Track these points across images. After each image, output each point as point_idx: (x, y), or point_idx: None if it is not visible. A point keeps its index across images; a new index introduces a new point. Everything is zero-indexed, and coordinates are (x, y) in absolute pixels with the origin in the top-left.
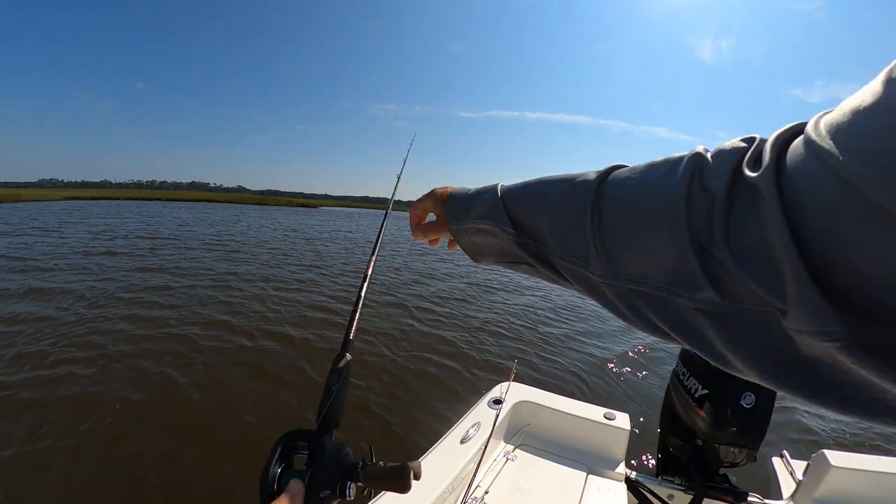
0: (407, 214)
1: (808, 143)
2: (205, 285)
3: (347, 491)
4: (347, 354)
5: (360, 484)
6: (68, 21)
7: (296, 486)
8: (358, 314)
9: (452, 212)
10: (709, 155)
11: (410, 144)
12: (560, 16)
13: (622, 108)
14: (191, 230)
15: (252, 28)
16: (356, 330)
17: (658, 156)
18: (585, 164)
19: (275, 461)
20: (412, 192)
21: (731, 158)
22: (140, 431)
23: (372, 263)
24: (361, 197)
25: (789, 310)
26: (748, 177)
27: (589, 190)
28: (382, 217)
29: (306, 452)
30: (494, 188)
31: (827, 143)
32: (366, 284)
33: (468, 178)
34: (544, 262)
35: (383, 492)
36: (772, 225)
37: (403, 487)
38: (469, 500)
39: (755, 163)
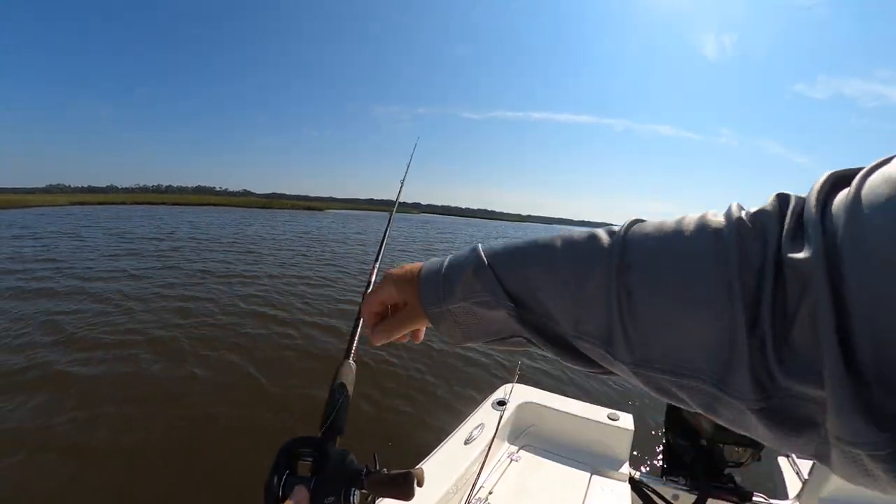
0: (410, 217)
1: (856, 216)
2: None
3: (352, 498)
4: (352, 361)
5: (364, 491)
6: (69, 30)
7: (300, 492)
8: (360, 324)
9: (430, 293)
10: (747, 219)
11: (414, 148)
12: (563, 15)
13: (626, 106)
14: (210, 232)
15: (256, 34)
16: (360, 336)
17: (661, 154)
18: (591, 163)
19: (279, 467)
20: (417, 193)
21: (773, 228)
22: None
23: (375, 270)
24: (367, 199)
25: (828, 416)
26: (795, 260)
27: (609, 258)
28: (386, 222)
29: (311, 459)
30: (476, 255)
31: (878, 220)
32: (369, 291)
33: (473, 179)
34: (550, 338)
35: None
36: (821, 320)
37: (407, 495)
38: (473, 501)
39: (795, 235)
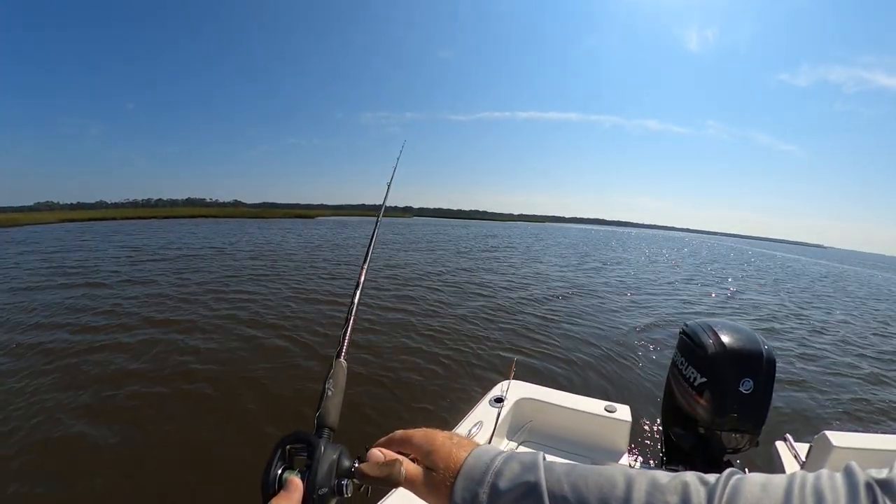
0: (396, 221)
1: None
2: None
3: (344, 489)
4: (343, 361)
5: (356, 481)
6: (50, 47)
7: (293, 483)
8: (352, 320)
9: (468, 490)
10: (878, 486)
11: (400, 152)
12: (545, 14)
13: (613, 103)
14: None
15: (239, 45)
16: (350, 335)
17: (650, 149)
18: (580, 160)
19: (275, 462)
20: (408, 197)
21: None
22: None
23: (364, 271)
24: (358, 205)
25: None
26: None
27: None
28: (374, 226)
29: (305, 454)
30: (536, 480)
31: None
32: (359, 291)
33: (463, 181)
34: None
35: (392, 491)
36: None
37: (396, 481)
38: None
39: None
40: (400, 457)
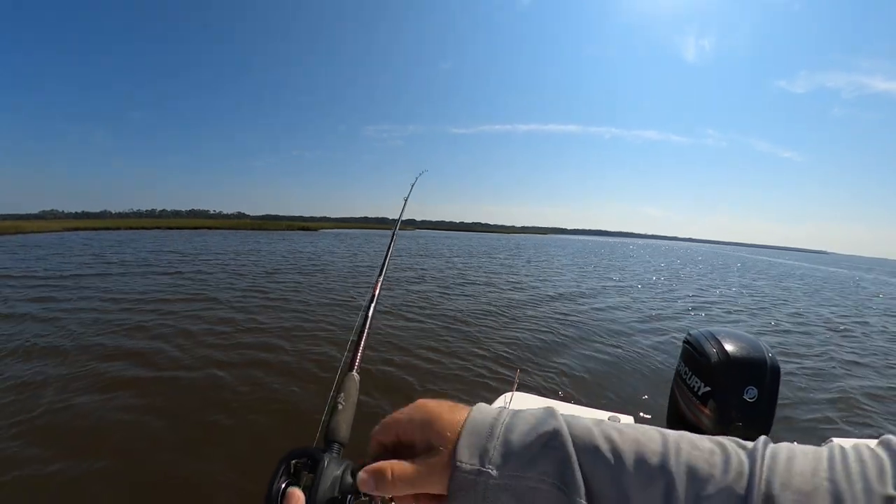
0: (409, 233)
1: None
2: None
3: None
4: (355, 374)
5: (362, 499)
6: (55, 60)
7: (294, 496)
8: (366, 333)
9: (472, 445)
10: None
11: (415, 180)
12: (544, 27)
13: (612, 114)
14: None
15: (244, 60)
16: (363, 349)
17: (650, 159)
18: (582, 171)
19: (279, 477)
20: (412, 211)
21: None
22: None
23: (379, 284)
24: (361, 217)
25: None
26: None
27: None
28: (389, 239)
29: (310, 470)
30: (556, 427)
31: None
32: (373, 305)
33: (466, 193)
34: None
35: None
36: None
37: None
38: None
39: None
40: (384, 465)
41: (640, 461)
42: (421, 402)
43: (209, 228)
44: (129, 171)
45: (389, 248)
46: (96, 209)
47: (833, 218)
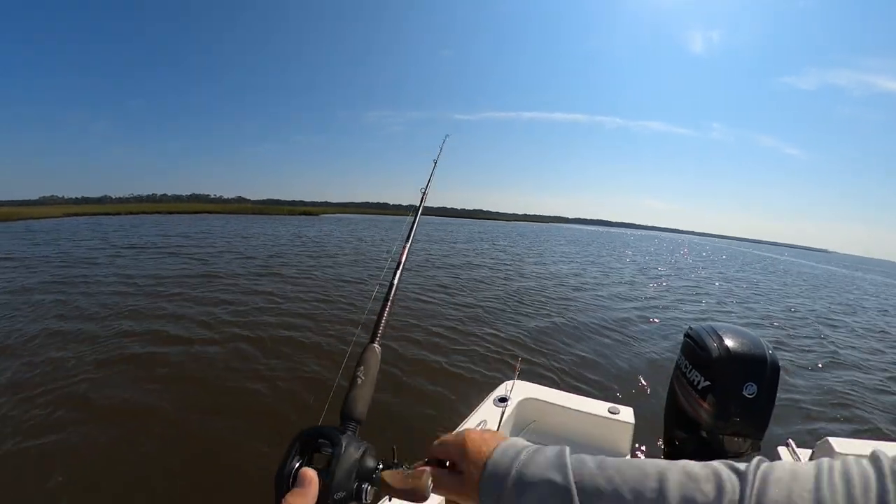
0: (411, 219)
1: None
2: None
3: (364, 495)
4: (376, 345)
5: (377, 488)
6: (56, 48)
7: (310, 479)
8: (390, 303)
9: (491, 485)
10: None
11: (441, 147)
12: (549, 14)
13: (617, 104)
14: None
15: (245, 45)
16: (387, 319)
17: (655, 150)
18: (585, 161)
19: (292, 457)
20: (413, 197)
21: None
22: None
23: (406, 251)
24: (362, 202)
25: None
26: None
27: None
28: (417, 209)
29: (328, 451)
30: (562, 467)
31: None
32: (398, 272)
33: (468, 180)
34: None
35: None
36: None
37: (421, 497)
38: None
39: None
40: (427, 468)
41: (639, 499)
42: (464, 432)
43: (210, 213)
44: (128, 157)
45: (419, 210)
46: (96, 194)
47: (834, 217)
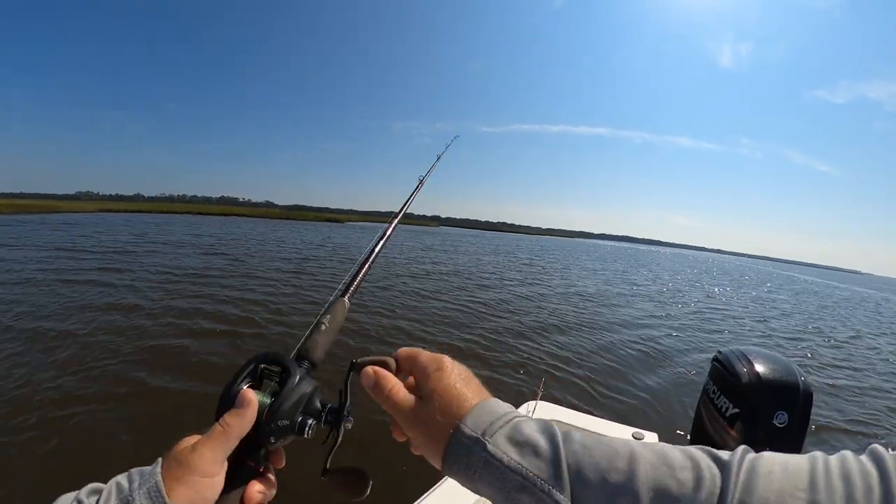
0: (433, 229)
1: None
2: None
3: (307, 429)
4: (346, 300)
5: (321, 426)
6: (101, 53)
7: (249, 400)
8: (367, 267)
9: (481, 421)
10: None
11: (446, 148)
12: (576, 27)
13: (644, 118)
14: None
15: (279, 57)
16: (360, 281)
17: (682, 166)
18: (611, 175)
19: (242, 378)
20: (435, 206)
21: None
22: None
23: (394, 223)
24: (387, 211)
25: None
26: None
27: None
28: (417, 182)
29: (276, 379)
30: (554, 447)
31: None
32: (383, 241)
33: (493, 192)
34: None
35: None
36: None
37: (360, 492)
38: None
39: None
40: (394, 379)
41: (604, 481)
42: (448, 359)
43: (238, 216)
44: (161, 157)
45: (417, 190)
46: (129, 192)
47: (867, 237)
